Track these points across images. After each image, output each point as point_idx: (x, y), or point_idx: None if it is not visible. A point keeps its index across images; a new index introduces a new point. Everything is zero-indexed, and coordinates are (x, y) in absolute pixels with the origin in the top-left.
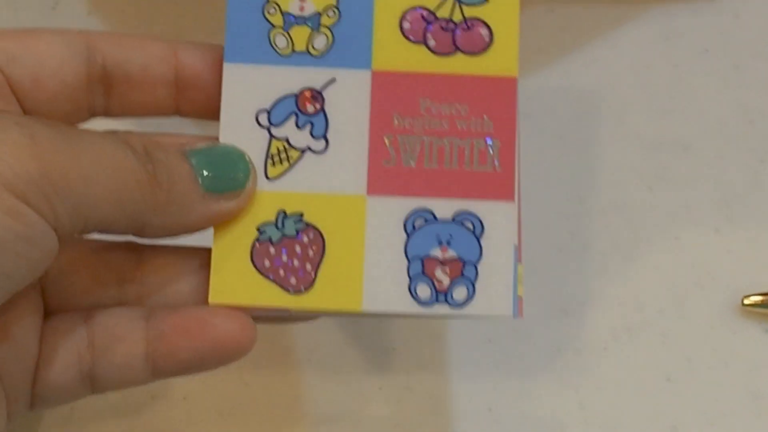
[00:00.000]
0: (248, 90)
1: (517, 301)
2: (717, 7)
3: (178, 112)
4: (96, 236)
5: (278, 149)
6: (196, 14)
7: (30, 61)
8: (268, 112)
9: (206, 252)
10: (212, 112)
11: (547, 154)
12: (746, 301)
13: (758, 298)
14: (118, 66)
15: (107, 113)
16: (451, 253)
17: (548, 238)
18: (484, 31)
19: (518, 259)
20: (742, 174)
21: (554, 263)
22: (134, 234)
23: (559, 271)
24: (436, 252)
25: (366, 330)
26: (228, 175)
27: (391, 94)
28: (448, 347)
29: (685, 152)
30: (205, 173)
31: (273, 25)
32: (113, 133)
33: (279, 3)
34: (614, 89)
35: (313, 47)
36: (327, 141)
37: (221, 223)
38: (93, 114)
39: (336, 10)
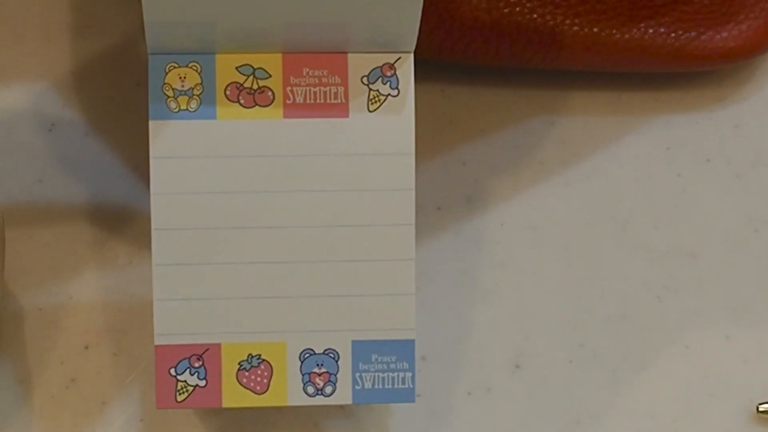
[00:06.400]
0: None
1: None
2: (717, 117)
3: None
4: None
5: None
6: None
7: None
8: None
9: None
10: None
11: (553, 266)
12: (761, 408)
13: None
14: None
15: None
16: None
17: (558, 350)
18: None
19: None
20: (750, 280)
21: (565, 375)
22: None
23: (570, 383)
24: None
25: None
26: None
27: None
28: None
29: (692, 260)
30: None
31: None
32: None
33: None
34: (617, 200)
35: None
36: None
37: None
38: None
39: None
